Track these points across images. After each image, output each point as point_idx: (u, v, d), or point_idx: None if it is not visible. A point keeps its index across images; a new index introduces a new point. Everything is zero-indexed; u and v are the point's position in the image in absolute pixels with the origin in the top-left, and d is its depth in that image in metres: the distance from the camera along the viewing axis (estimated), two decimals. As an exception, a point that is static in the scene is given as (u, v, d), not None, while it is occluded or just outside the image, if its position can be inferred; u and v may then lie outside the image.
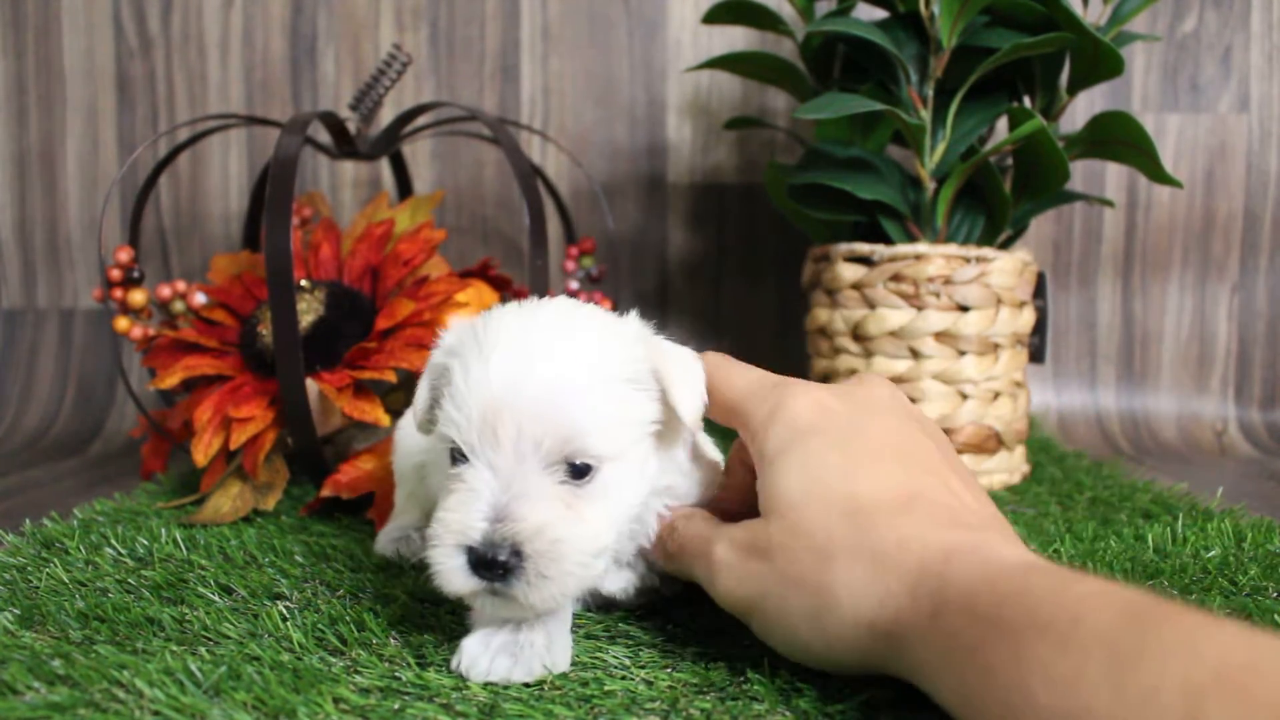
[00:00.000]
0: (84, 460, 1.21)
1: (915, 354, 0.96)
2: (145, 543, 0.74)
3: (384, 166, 1.42)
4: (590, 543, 0.50)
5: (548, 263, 0.97)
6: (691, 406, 0.53)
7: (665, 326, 1.44)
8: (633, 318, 0.56)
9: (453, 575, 0.49)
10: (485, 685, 0.49)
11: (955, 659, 0.38)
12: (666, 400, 0.53)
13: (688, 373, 0.54)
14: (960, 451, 0.96)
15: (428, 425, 0.57)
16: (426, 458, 0.74)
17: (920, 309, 0.95)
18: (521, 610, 0.50)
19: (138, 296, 0.99)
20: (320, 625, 0.57)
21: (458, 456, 0.51)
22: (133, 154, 1.05)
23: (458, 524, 0.49)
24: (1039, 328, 1.05)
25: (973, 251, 0.95)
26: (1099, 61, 0.92)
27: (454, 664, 0.51)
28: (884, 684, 0.48)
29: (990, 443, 0.97)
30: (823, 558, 0.45)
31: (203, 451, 0.86)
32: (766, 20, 1.06)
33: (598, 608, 0.61)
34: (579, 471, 0.50)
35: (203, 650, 0.53)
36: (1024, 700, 0.34)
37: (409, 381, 1.03)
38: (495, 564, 0.48)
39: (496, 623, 0.52)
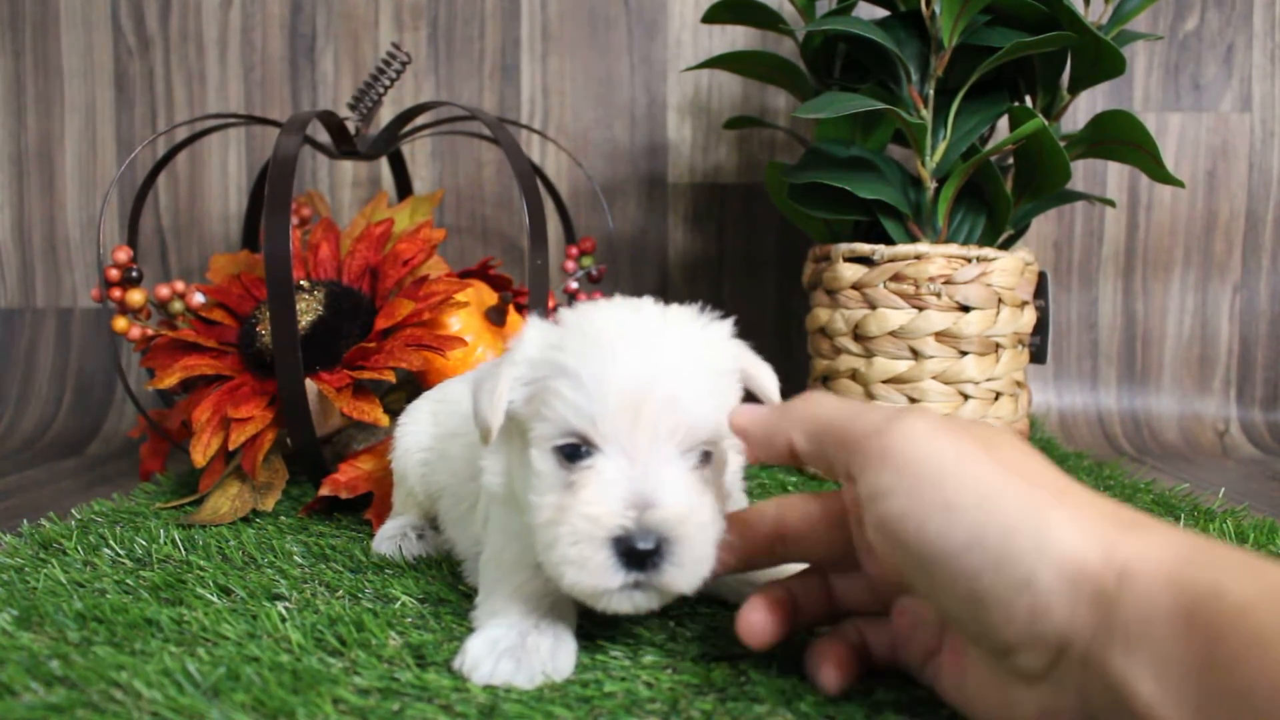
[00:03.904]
0: (82, 460, 1.21)
1: (916, 354, 0.96)
2: (144, 543, 0.74)
3: (383, 166, 1.41)
4: (716, 528, 0.50)
5: (548, 262, 0.97)
6: (777, 389, 0.56)
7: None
8: (717, 318, 0.57)
9: (600, 571, 0.46)
10: (485, 687, 0.49)
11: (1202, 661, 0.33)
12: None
13: (768, 369, 0.57)
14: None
15: (518, 417, 0.53)
16: (430, 455, 0.74)
17: (921, 309, 0.95)
18: (658, 602, 0.48)
19: (136, 296, 0.99)
20: (319, 626, 0.56)
21: (574, 451, 0.49)
22: (131, 153, 1.05)
23: (601, 515, 0.46)
24: (1040, 328, 1.05)
25: (974, 251, 0.95)
26: (1100, 60, 0.92)
27: (456, 663, 0.51)
28: (889, 685, 0.48)
29: (991, 443, 0.97)
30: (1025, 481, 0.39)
31: (201, 452, 0.86)
32: (767, 19, 1.06)
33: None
34: (701, 459, 0.51)
35: (201, 651, 0.52)
36: None
37: (408, 381, 1.03)
38: (644, 554, 0.46)
39: (505, 625, 0.52)
